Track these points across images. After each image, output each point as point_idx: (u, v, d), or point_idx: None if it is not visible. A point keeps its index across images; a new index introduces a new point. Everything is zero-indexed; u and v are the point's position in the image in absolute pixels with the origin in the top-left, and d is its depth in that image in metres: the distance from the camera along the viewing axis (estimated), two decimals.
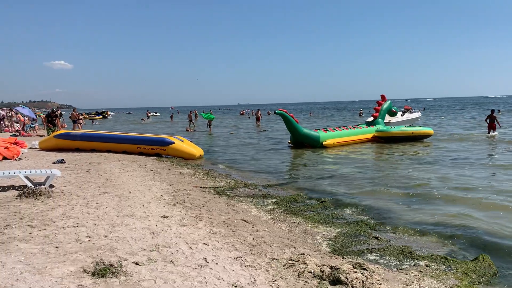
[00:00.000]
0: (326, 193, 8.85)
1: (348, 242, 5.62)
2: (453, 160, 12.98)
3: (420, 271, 4.58)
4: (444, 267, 4.77)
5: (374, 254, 5.21)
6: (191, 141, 16.03)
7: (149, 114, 70.52)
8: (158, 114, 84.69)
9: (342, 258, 4.80)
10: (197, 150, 15.01)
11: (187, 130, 30.82)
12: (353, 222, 6.59)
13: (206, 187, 9.05)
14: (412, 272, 4.50)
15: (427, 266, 4.78)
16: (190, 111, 41.85)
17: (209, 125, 31.05)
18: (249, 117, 56.27)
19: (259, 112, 39.96)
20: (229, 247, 4.67)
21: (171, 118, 53.83)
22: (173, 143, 14.39)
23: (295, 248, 4.96)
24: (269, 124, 36.72)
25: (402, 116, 27.95)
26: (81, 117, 33.41)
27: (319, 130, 18.56)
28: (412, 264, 4.86)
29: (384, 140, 19.04)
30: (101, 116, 68.47)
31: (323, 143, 17.47)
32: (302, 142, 17.68)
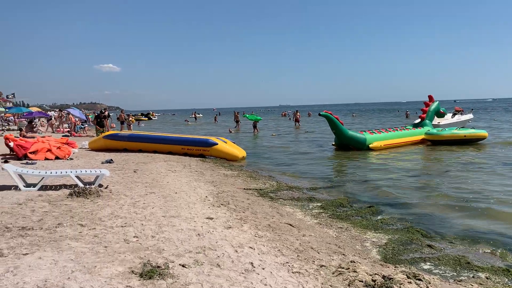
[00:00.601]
0: (373, 197, 8.56)
1: (400, 249, 5.36)
2: (508, 166, 12.22)
3: (481, 283, 4.27)
4: (507, 280, 4.43)
5: (428, 263, 4.93)
6: (233, 143, 16.09)
7: (197, 115, 71.19)
8: (201, 115, 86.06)
9: (395, 267, 4.56)
10: (239, 152, 15.03)
11: (230, 132, 31.03)
12: (404, 229, 6.29)
13: (250, 189, 8.99)
14: (472, 285, 4.20)
15: (487, 278, 4.46)
16: (237, 112, 42.32)
17: (255, 127, 31.10)
18: (290, 118, 55.92)
19: (298, 113, 39.61)
20: (275, 252, 4.56)
21: (215, 120, 54.48)
22: (216, 144, 14.48)
23: (343, 255, 4.77)
24: (309, 126, 36.33)
25: (452, 117, 26.76)
26: (131, 118, 34.50)
27: (365, 132, 18.09)
28: (471, 275, 4.55)
29: (434, 143, 18.27)
30: (147, 118, 70.48)
31: (370, 145, 17.00)
32: (348, 145, 17.28)
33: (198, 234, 4.95)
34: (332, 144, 18.37)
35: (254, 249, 4.58)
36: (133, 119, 32.26)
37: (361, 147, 17.00)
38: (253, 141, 24.11)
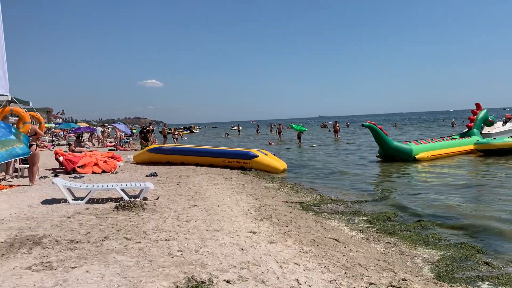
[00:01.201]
0: (422, 211, 8.17)
1: (454, 267, 5.04)
2: None
3: None
4: None
5: (487, 282, 4.59)
6: (274, 155, 16.01)
7: (240, 128, 71.02)
8: (241, 128, 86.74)
9: (450, 286, 4.29)
10: (280, 164, 14.92)
11: (270, 144, 30.99)
12: (457, 245, 5.94)
13: (292, 202, 8.84)
14: None
15: None
16: (280, 124, 42.71)
17: (299, 138, 31.00)
18: (329, 130, 55.28)
19: (337, 124, 39.12)
20: (321, 268, 4.40)
21: (257, 132, 54.54)
22: (257, 156, 14.46)
23: (394, 272, 4.53)
24: (349, 137, 35.68)
25: (503, 125, 25.45)
26: (176, 132, 35.20)
27: (410, 142, 17.50)
28: None
29: (484, 153, 17.38)
30: (188, 131, 71.85)
31: (416, 156, 16.41)
32: (393, 156, 16.76)
33: (242, 249, 4.87)
34: (376, 156, 17.88)
35: (300, 265, 4.44)
36: (180, 133, 32.93)
37: (407, 158, 16.44)
38: (294, 152, 23.94)
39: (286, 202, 8.84)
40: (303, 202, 8.90)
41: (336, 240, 5.79)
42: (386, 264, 4.89)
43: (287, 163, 15.62)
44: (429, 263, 5.20)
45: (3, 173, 11.05)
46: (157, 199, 7.95)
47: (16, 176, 11.26)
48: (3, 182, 10.23)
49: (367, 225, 7.04)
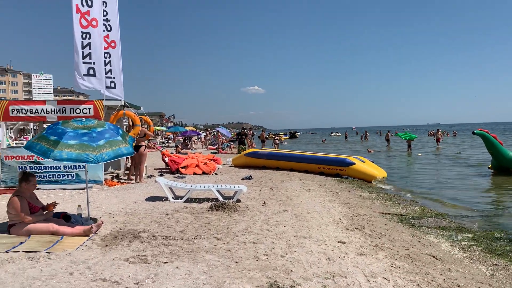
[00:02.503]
0: None
1: None
2: None
3: None
4: None
5: None
6: (372, 162, 15.38)
7: (347, 134, 67.24)
8: (339, 134, 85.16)
9: None
10: (379, 172, 14.28)
11: (369, 152, 29.91)
12: None
13: (389, 214, 8.39)
14: None
15: None
16: (388, 131, 41.77)
17: (409, 146, 29.70)
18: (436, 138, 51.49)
19: (439, 132, 36.36)
20: (413, 286, 4.08)
21: (361, 138, 52.86)
22: (354, 164, 14.02)
23: None
24: (455, 147, 32.88)
25: None
26: (277, 137, 35.80)
27: None
28: None
29: None
30: (287, 136, 72.53)
31: None
32: (508, 168, 15.05)
33: (328, 258, 4.74)
34: (489, 167, 16.21)
35: (389, 280, 4.17)
36: (282, 137, 33.28)
37: None
38: (398, 161, 22.80)
39: (382, 213, 8.42)
40: (400, 214, 8.40)
41: (433, 257, 5.34)
42: None
43: (388, 172, 14.90)
44: None
45: (117, 171, 12.23)
46: (264, 204, 8.06)
47: (127, 174, 12.37)
48: (115, 179, 11.32)
49: (472, 243, 6.38)
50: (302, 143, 52.68)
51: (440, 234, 6.93)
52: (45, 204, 5.64)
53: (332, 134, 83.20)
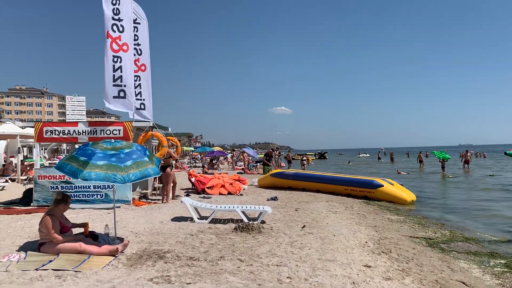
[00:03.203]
0: None
1: None
2: None
3: None
4: None
5: None
6: (401, 185, 15.07)
7: (380, 155, 63.14)
8: (367, 155, 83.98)
9: None
10: (408, 195, 13.96)
11: (399, 173, 29.32)
12: None
13: (417, 237, 8.16)
14: None
15: None
16: (420, 152, 41.35)
17: (443, 167, 29.05)
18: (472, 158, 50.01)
19: (468, 153, 35.25)
20: None
21: (392, 160, 51.85)
22: (382, 186, 13.78)
23: None
24: (486, 169, 31.78)
25: None
26: (304, 157, 35.60)
27: None
28: None
29: None
30: (315, 157, 71.98)
31: None
32: None
33: (353, 282, 4.64)
34: None
35: None
36: (309, 158, 32.95)
37: None
38: (429, 182, 22.23)
39: (410, 236, 8.20)
40: (429, 238, 8.16)
41: (463, 283, 5.15)
42: None
43: (418, 194, 14.56)
44: None
45: (145, 190, 12.44)
46: (303, 227, 7.95)
47: (155, 194, 12.56)
48: (143, 199, 11.51)
49: (505, 269, 6.12)
50: (329, 164, 52.19)
51: (471, 259, 6.68)
52: (74, 222, 5.81)
53: (361, 155, 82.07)
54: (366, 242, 7.01)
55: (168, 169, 11.15)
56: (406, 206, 13.06)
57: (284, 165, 28.94)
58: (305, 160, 32.94)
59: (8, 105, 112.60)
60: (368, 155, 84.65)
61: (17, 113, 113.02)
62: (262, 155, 45.70)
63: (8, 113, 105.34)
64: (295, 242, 6.58)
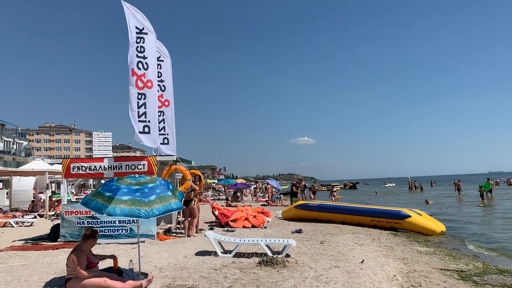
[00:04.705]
0: None
1: None
2: None
3: None
4: None
5: None
6: (430, 215, 14.64)
7: (410, 183, 62.53)
8: (393, 184, 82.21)
9: None
10: (437, 226, 13.51)
11: (427, 203, 28.55)
12: None
13: (448, 270, 7.85)
14: None
15: None
16: (457, 180, 41.07)
17: (482, 196, 28.55)
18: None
19: (492, 182, 34.40)
20: None
21: (421, 189, 50.45)
22: (410, 216, 13.41)
23: None
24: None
25: None
26: (334, 188, 35.02)
27: None
28: None
29: None
30: (338, 187, 70.66)
31: None
32: None
33: None
34: None
35: None
36: (339, 197, 31.99)
37: None
38: (463, 211, 21.54)
39: (441, 269, 7.89)
40: (461, 271, 7.82)
41: None
42: None
43: (447, 224, 14.08)
44: None
45: (169, 224, 12.48)
46: (361, 262, 7.75)
47: (179, 228, 12.58)
48: (167, 233, 11.53)
49: None
50: (356, 194, 51.32)
51: None
52: (103, 254, 5.86)
53: (386, 185, 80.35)
54: (395, 275, 6.79)
55: (191, 204, 11.20)
56: (435, 237, 12.64)
57: (313, 197, 28.41)
58: (335, 192, 31.83)
59: (38, 142, 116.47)
60: (394, 184, 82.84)
61: (46, 150, 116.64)
62: (286, 186, 45.34)
63: (37, 150, 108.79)
64: (320, 277, 6.43)
